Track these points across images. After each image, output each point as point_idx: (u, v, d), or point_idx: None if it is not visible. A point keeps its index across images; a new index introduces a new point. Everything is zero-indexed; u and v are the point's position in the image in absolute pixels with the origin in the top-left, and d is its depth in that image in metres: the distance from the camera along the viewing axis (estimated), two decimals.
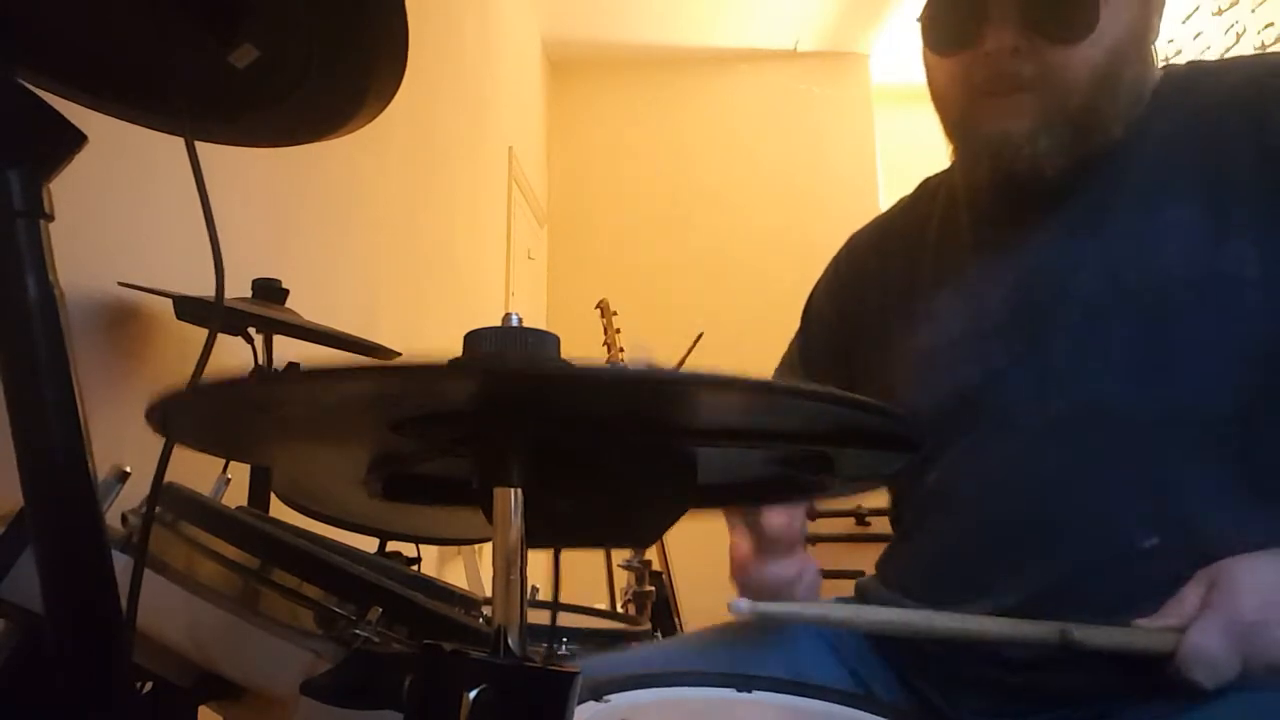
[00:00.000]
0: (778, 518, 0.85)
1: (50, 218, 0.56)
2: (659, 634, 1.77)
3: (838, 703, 0.70)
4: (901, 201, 1.00)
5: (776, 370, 1.07)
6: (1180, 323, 0.71)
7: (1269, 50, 2.84)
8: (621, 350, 3.13)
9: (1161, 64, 0.81)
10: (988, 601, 0.75)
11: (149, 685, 0.74)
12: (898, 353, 0.89)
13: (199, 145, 0.57)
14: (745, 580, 0.87)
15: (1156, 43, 0.80)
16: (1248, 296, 0.70)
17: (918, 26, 0.82)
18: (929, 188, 0.97)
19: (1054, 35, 0.73)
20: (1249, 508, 0.70)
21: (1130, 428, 0.72)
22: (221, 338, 1.15)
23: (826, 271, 1.04)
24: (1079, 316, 0.75)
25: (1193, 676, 0.63)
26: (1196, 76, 0.80)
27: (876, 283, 0.95)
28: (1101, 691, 0.72)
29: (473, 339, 0.43)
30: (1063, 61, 0.73)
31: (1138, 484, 0.72)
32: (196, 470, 0.77)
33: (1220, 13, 3.13)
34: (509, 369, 0.39)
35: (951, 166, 0.94)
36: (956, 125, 0.81)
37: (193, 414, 0.48)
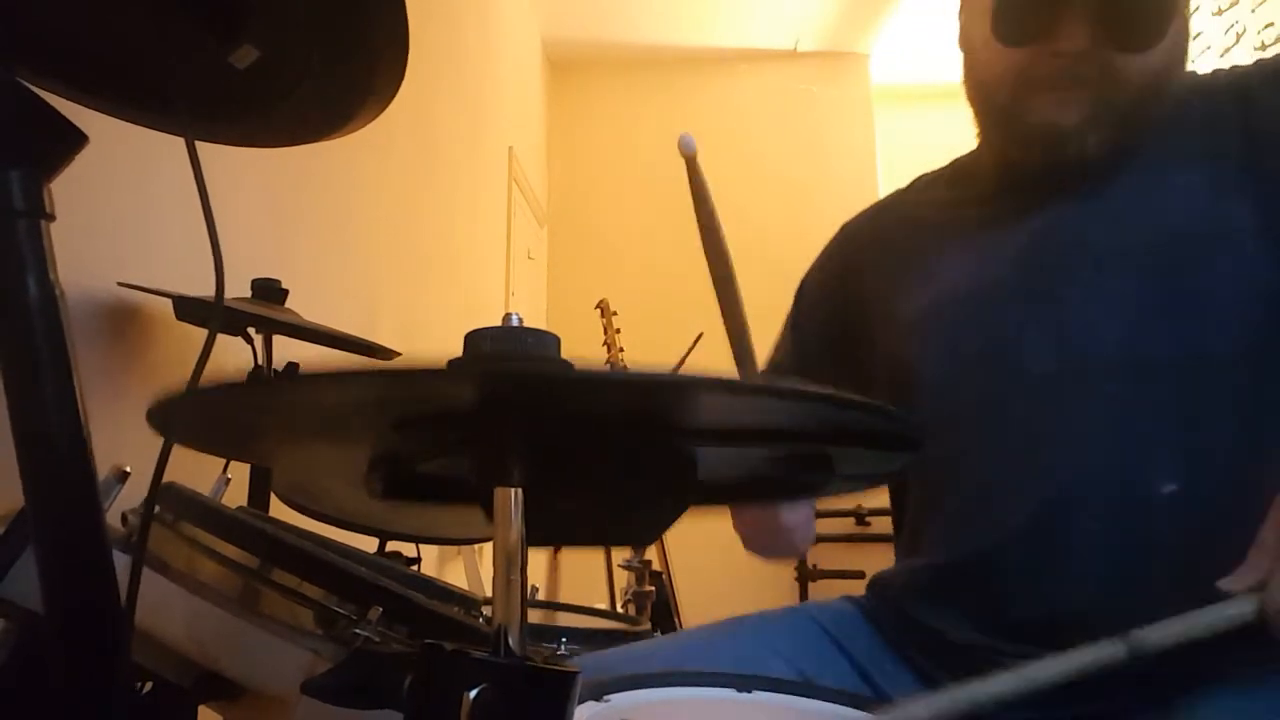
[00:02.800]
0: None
1: (51, 218, 0.56)
2: (659, 634, 1.78)
3: (840, 704, 0.70)
4: (897, 191, 1.01)
5: (768, 358, 1.06)
6: (1187, 271, 0.74)
7: (1268, 49, 2.84)
8: (621, 350, 3.13)
9: None
10: (1010, 558, 0.76)
11: (149, 685, 0.74)
12: (901, 313, 0.90)
13: (199, 145, 0.58)
14: (746, 527, 0.88)
15: None
16: (1248, 245, 0.74)
17: (965, 14, 0.84)
18: (925, 179, 0.99)
19: (1125, 43, 0.75)
20: (1266, 449, 0.72)
21: (1144, 376, 0.74)
22: (221, 338, 1.16)
23: (819, 259, 1.05)
24: (1090, 270, 0.78)
25: (1272, 626, 0.61)
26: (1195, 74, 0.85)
27: (871, 262, 0.96)
28: (1130, 686, 0.71)
29: (473, 339, 0.43)
30: (1126, 66, 0.76)
31: (1154, 431, 0.74)
32: (196, 470, 0.77)
33: (1220, 13, 3.13)
34: (507, 371, 0.39)
35: (952, 162, 0.95)
36: (1004, 112, 0.83)
37: (193, 415, 0.48)
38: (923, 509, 0.90)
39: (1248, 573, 0.64)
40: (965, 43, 0.85)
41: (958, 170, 0.94)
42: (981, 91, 0.85)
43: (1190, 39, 0.82)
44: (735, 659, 0.82)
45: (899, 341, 0.89)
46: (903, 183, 1.02)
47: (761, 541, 0.93)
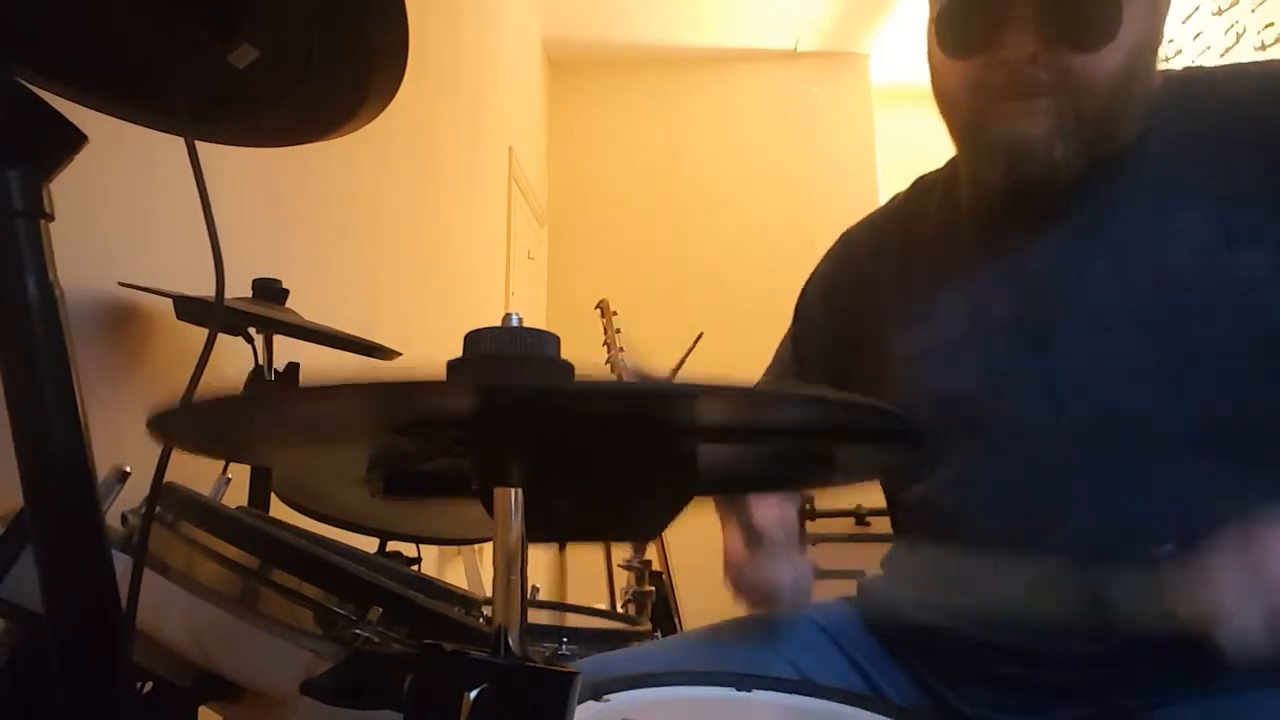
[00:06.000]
0: (769, 513, 0.84)
1: (50, 217, 0.56)
2: (659, 634, 1.78)
3: (839, 702, 0.70)
4: (896, 198, 0.99)
5: (768, 368, 1.06)
6: (1192, 327, 0.70)
7: (1269, 50, 2.84)
8: (621, 350, 3.13)
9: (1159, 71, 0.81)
10: (999, 613, 0.74)
11: (149, 685, 0.74)
12: (893, 351, 0.88)
13: (199, 145, 0.58)
14: (738, 582, 0.86)
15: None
16: (1260, 298, 0.69)
17: (927, 28, 0.80)
18: (924, 184, 0.96)
19: (1075, 42, 0.71)
20: (1264, 508, 0.68)
21: (1143, 435, 0.71)
22: (221, 337, 1.16)
23: (819, 268, 1.03)
24: (1089, 322, 0.74)
25: (1229, 654, 0.60)
26: (1197, 82, 0.80)
27: (870, 279, 0.94)
28: (1122, 688, 0.71)
29: (473, 339, 0.43)
30: (1082, 68, 0.72)
31: (1152, 492, 0.71)
32: (196, 470, 0.77)
33: (1220, 13, 3.13)
34: (506, 386, 0.39)
35: (951, 164, 0.93)
36: (968, 128, 0.80)
37: (191, 423, 0.48)
38: (912, 542, 0.89)
39: (1195, 598, 0.63)
40: (928, 59, 0.82)
41: (955, 174, 0.92)
42: (946, 109, 0.81)
43: (1160, 26, 0.76)
44: (736, 660, 0.81)
45: (891, 381, 0.87)
46: (903, 184, 1.00)
47: (748, 596, 0.90)
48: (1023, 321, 0.78)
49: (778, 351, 1.06)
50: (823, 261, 1.03)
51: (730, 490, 0.62)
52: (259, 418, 0.44)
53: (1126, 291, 0.73)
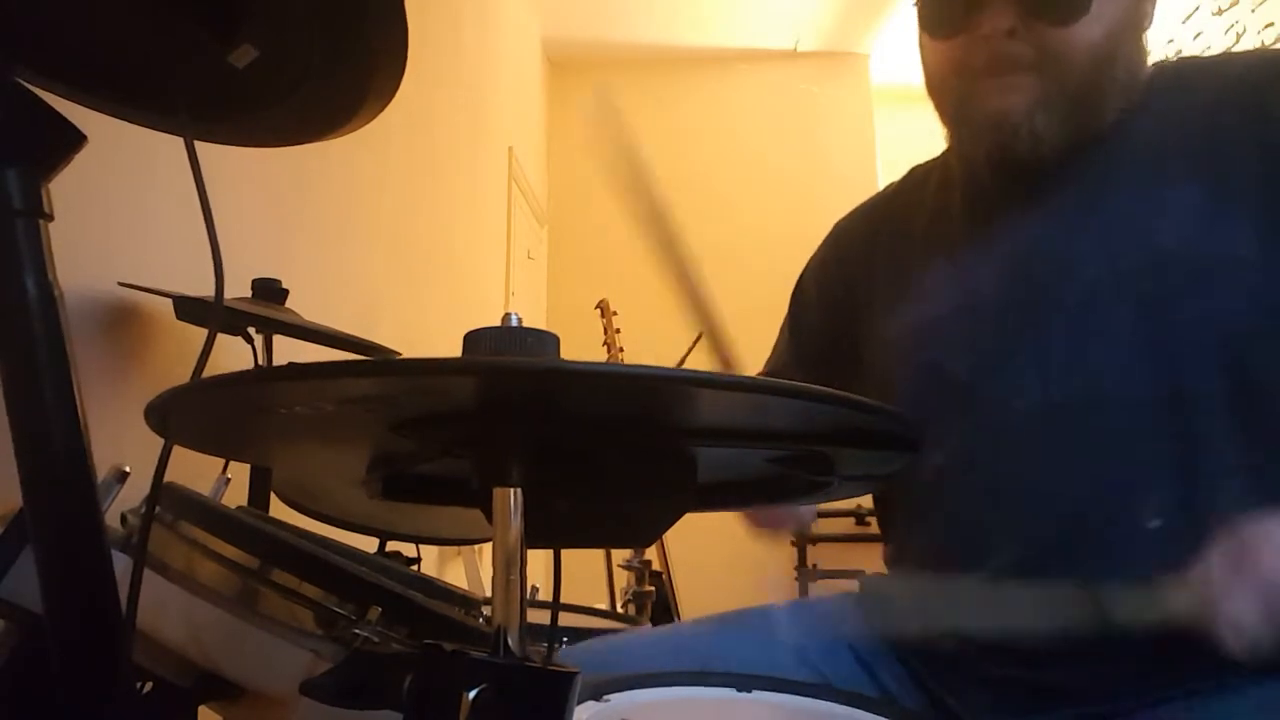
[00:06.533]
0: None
1: (50, 217, 0.56)
2: None
3: (839, 702, 0.70)
4: (889, 187, 1.00)
5: (767, 361, 1.06)
6: (1179, 303, 0.71)
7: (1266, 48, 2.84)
8: (621, 350, 3.13)
9: (1154, 62, 0.82)
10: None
11: (149, 685, 0.74)
12: (886, 330, 0.89)
13: (199, 145, 0.57)
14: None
15: (1156, 43, 0.81)
16: (1245, 276, 0.70)
17: (914, 12, 0.81)
18: (917, 174, 0.97)
19: (1050, 17, 0.74)
20: (1252, 486, 0.70)
21: (1131, 410, 0.72)
22: (221, 338, 1.15)
23: (813, 258, 1.04)
24: (1077, 298, 0.75)
25: (1229, 646, 0.61)
26: (1190, 69, 0.82)
27: (864, 265, 0.95)
28: (1119, 690, 0.71)
29: (473, 339, 0.43)
30: (1060, 42, 0.74)
31: (1139, 466, 0.72)
32: (196, 470, 0.77)
33: (1220, 13, 3.13)
34: (508, 365, 0.39)
35: (944, 153, 0.94)
36: (954, 107, 0.81)
37: (193, 414, 0.48)
38: (907, 529, 0.89)
39: (1193, 585, 0.63)
40: (918, 44, 0.84)
41: (949, 161, 0.93)
42: (933, 91, 0.83)
43: (1145, 7, 0.78)
44: (741, 651, 0.82)
45: (883, 360, 0.88)
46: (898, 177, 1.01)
47: (766, 524, 0.94)
48: (1013, 299, 0.79)
49: (774, 345, 1.06)
50: (817, 251, 1.04)
51: (731, 500, 0.62)
52: (258, 401, 0.44)
53: (1115, 268, 0.74)
